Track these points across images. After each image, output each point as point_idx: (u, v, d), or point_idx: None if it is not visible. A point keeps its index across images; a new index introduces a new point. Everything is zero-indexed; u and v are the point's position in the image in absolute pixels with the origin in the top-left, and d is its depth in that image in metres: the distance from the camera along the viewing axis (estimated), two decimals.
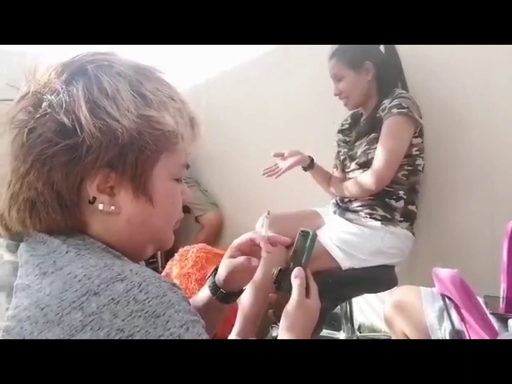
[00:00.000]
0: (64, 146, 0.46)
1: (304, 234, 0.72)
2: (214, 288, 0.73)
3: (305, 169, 1.58)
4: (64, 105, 0.46)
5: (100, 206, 0.49)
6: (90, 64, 0.49)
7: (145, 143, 0.49)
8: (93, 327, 0.39)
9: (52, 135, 0.46)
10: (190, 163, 0.57)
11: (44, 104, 0.47)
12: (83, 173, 0.47)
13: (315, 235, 0.71)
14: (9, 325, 0.41)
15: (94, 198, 0.48)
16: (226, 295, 0.73)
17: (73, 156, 0.46)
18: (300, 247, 0.72)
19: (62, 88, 0.47)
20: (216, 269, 0.76)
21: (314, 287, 0.67)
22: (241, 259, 0.71)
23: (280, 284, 0.70)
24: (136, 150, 0.49)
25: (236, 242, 0.75)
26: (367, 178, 1.39)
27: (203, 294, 0.75)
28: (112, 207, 0.49)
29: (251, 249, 0.73)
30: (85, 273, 0.42)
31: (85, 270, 0.43)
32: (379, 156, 1.35)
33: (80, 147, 0.46)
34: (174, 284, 0.46)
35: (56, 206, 0.48)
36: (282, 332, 0.63)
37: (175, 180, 0.55)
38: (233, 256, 0.73)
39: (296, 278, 0.66)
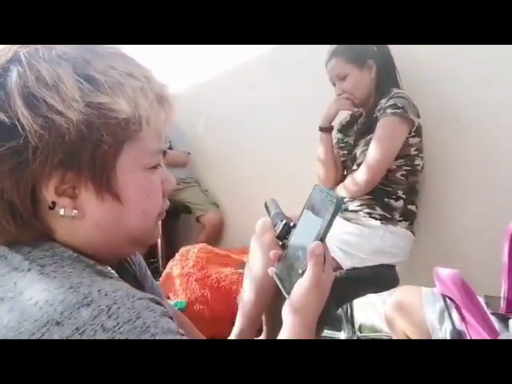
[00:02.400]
0: (7, 150, 0.40)
1: (325, 195, 0.55)
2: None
3: (322, 129, 1.55)
4: None
5: (61, 211, 0.44)
6: (23, 49, 0.42)
7: (99, 135, 0.43)
8: None
9: None
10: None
11: None
12: (34, 177, 0.42)
13: (341, 201, 0.52)
14: None
15: (54, 203, 0.44)
16: None
17: (20, 160, 0.41)
18: (317, 209, 0.57)
19: None
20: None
21: (329, 259, 0.58)
22: None
23: (284, 242, 0.63)
24: (90, 145, 0.43)
25: None
26: (356, 178, 1.39)
27: None
28: (75, 211, 0.45)
29: None
30: (47, 299, 0.38)
31: (48, 294, 0.38)
32: (370, 156, 1.35)
33: (25, 149, 0.40)
34: (152, 299, 0.42)
35: (8, 217, 0.43)
36: (290, 312, 0.55)
37: (150, 170, 0.49)
38: None
39: (312, 257, 0.53)
